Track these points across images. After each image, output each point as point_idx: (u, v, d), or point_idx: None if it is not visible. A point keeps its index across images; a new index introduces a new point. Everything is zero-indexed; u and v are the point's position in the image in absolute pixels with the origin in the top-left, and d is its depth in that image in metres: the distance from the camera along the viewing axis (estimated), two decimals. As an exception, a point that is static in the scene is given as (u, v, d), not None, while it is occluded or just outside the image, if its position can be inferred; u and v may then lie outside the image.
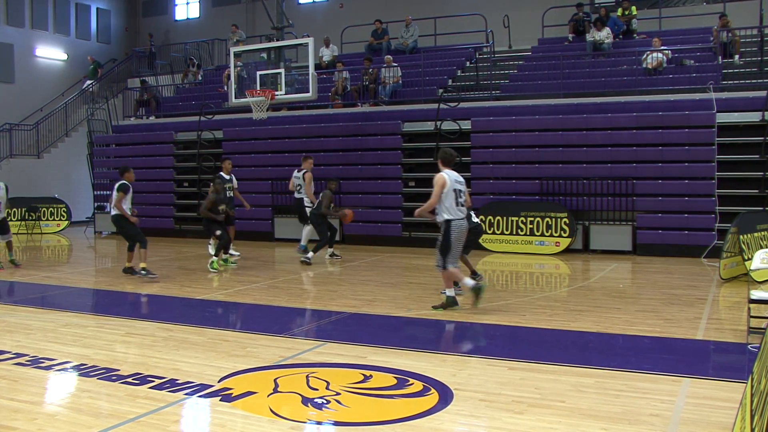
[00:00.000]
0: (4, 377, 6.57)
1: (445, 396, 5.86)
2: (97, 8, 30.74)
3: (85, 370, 6.73)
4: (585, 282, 12.02)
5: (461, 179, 9.33)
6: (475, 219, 10.74)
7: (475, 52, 21.60)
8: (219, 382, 6.29)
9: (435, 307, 9.45)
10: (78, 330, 8.60)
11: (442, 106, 17.76)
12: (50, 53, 28.54)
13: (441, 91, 19.21)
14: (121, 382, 6.32)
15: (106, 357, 7.20)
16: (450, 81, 20.31)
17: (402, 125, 18.37)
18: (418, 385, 6.15)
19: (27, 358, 7.22)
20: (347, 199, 18.01)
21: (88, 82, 27.78)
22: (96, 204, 23.30)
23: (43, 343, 7.87)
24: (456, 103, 17.86)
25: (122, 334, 8.35)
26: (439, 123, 17.61)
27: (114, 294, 11.12)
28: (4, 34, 26.79)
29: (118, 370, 6.71)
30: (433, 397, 5.85)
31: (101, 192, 23.19)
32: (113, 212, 12.58)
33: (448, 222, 9.13)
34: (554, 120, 16.85)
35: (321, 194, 14.43)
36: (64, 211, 23.41)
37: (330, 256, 15.06)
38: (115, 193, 12.48)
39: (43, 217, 23.10)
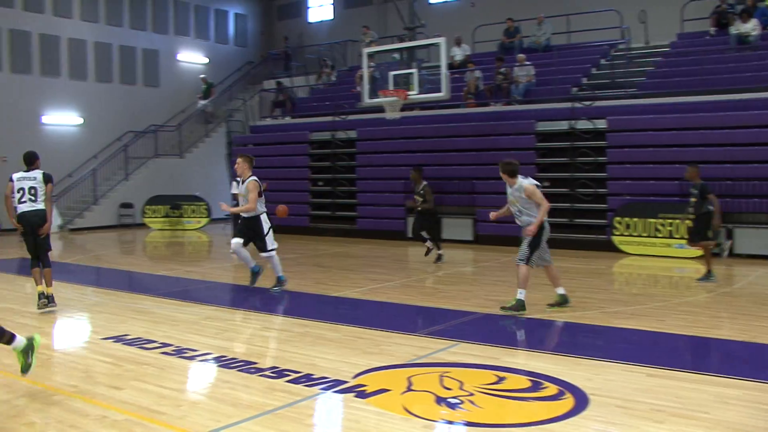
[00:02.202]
0: (152, 365, 6.93)
1: (581, 401, 5.73)
2: (235, 13, 31.92)
3: (225, 362, 7.01)
4: (729, 288, 11.45)
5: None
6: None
7: (610, 48, 21.00)
8: (353, 378, 6.39)
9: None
10: (218, 323, 8.96)
11: (576, 104, 17.36)
12: (191, 57, 29.84)
13: (575, 89, 18.78)
14: (259, 375, 6.54)
15: (244, 350, 7.47)
16: (584, 79, 19.81)
17: (536, 125, 18.06)
18: (553, 389, 6.05)
19: (172, 348, 7.59)
20: (481, 198, 17.78)
21: (202, 102, 28.41)
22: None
23: (186, 335, 8.25)
24: (591, 102, 17.41)
25: (260, 328, 8.63)
26: (573, 122, 17.23)
27: (251, 289, 11.48)
28: (151, 41, 28.24)
29: (256, 363, 6.94)
30: (568, 402, 5.73)
31: (239, 191, 24.03)
32: (39, 207, 9.64)
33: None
34: (695, 118, 16.12)
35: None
36: (204, 208, 24.39)
37: (436, 259, 14.51)
38: (43, 184, 9.71)
39: (185, 214, 24.21)
